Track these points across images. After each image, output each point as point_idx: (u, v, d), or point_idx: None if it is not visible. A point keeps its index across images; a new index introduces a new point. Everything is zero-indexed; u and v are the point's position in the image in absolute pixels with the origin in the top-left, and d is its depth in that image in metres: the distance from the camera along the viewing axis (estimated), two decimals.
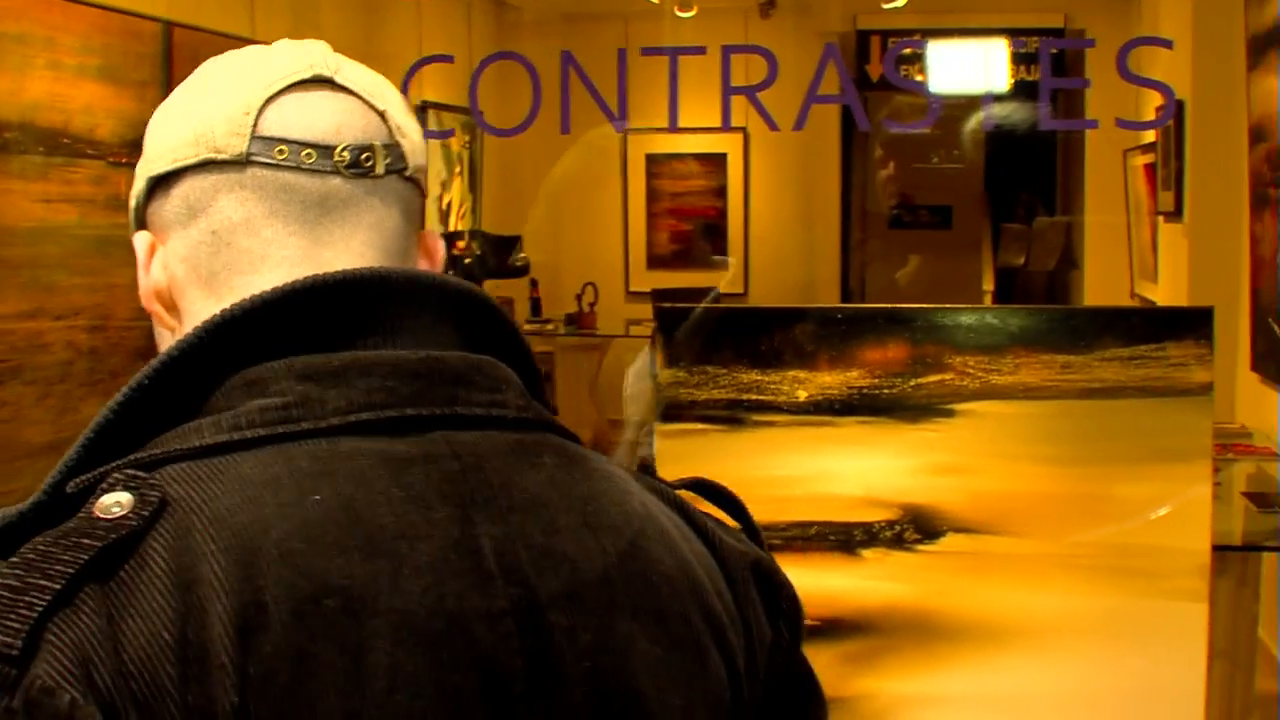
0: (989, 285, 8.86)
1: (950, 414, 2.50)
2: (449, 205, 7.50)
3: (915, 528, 2.52)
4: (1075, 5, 8.48)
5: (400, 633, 0.69)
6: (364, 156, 0.85)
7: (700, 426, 2.51)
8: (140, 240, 0.90)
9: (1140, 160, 6.42)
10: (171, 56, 5.03)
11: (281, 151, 0.83)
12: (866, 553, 2.53)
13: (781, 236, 8.42)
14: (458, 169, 7.57)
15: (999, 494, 2.54)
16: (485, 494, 0.77)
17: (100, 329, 4.50)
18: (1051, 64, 6.47)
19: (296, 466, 0.72)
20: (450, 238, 6.69)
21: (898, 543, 2.52)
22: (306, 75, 0.86)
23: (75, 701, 0.63)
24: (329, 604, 0.68)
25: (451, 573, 0.72)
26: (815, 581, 2.45)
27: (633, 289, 8.42)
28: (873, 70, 8.31)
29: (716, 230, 8.52)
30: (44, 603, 0.65)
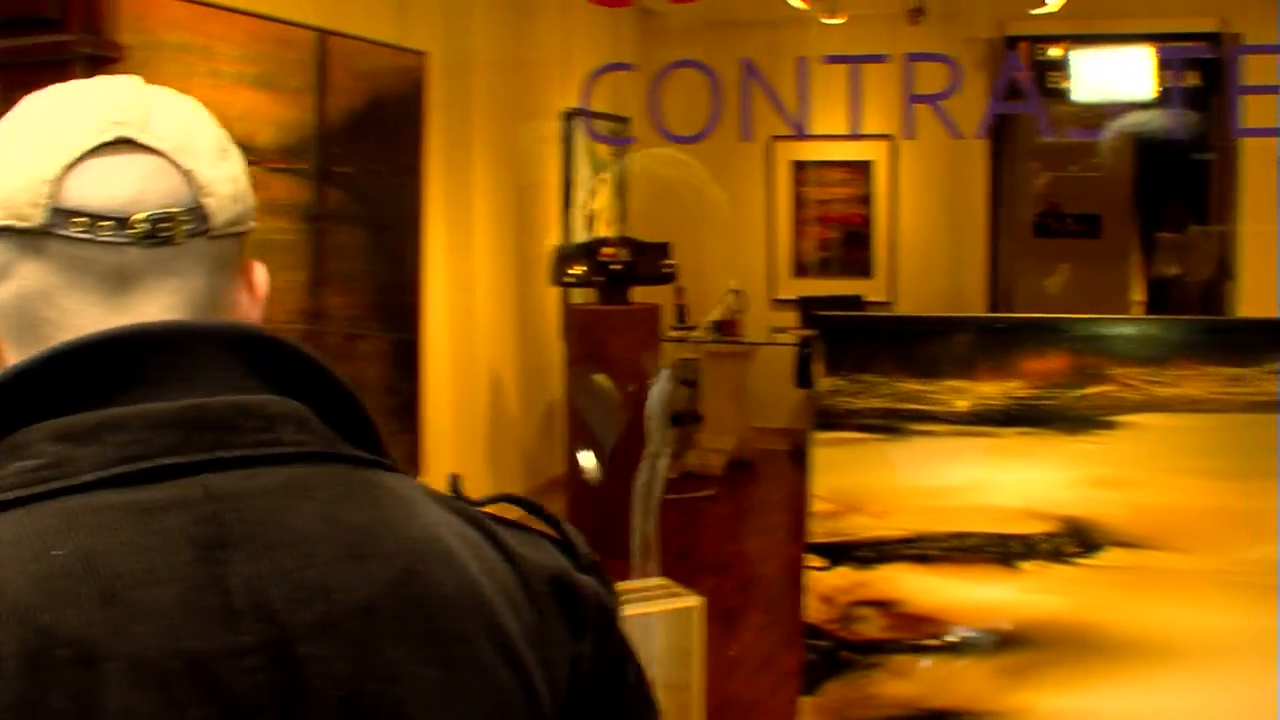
0: (1140, 295, 8.68)
1: (1111, 426, 2.48)
2: (596, 212, 7.61)
3: (1074, 541, 2.50)
4: (1229, 8, 8.27)
5: (133, 675, 0.72)
6: (161, 226, 0.83)
7: (858, 435, 2.52)
8: None
9: None
10: (325, 63, 5.20)
11: (78, 225, 0.82)
12: (1025, 565, 2.52)
13: (928, 244, 8.37)
14: (605, 176, 7.67)
15: (1160, 508, 2.51)
16: (242, 532, 0.78)
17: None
18: (1205, 70, 6.39)
19: (43, 525, 0.75)
20: (598, 244, 6.77)
21: (1056, 556, 2.51)
22: (109, 138, 0.83)
23: None
24: (60, 654, 0.71)
25: (192, 614, 0.75)
26: (972, 593, 2.45)
27: (778, 296, 8.44)
28: (1022, 77, 8.18)
29: (862, 238, 8.50)
30: None
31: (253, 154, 4.90)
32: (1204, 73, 6.33)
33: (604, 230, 7.57)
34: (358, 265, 5.45)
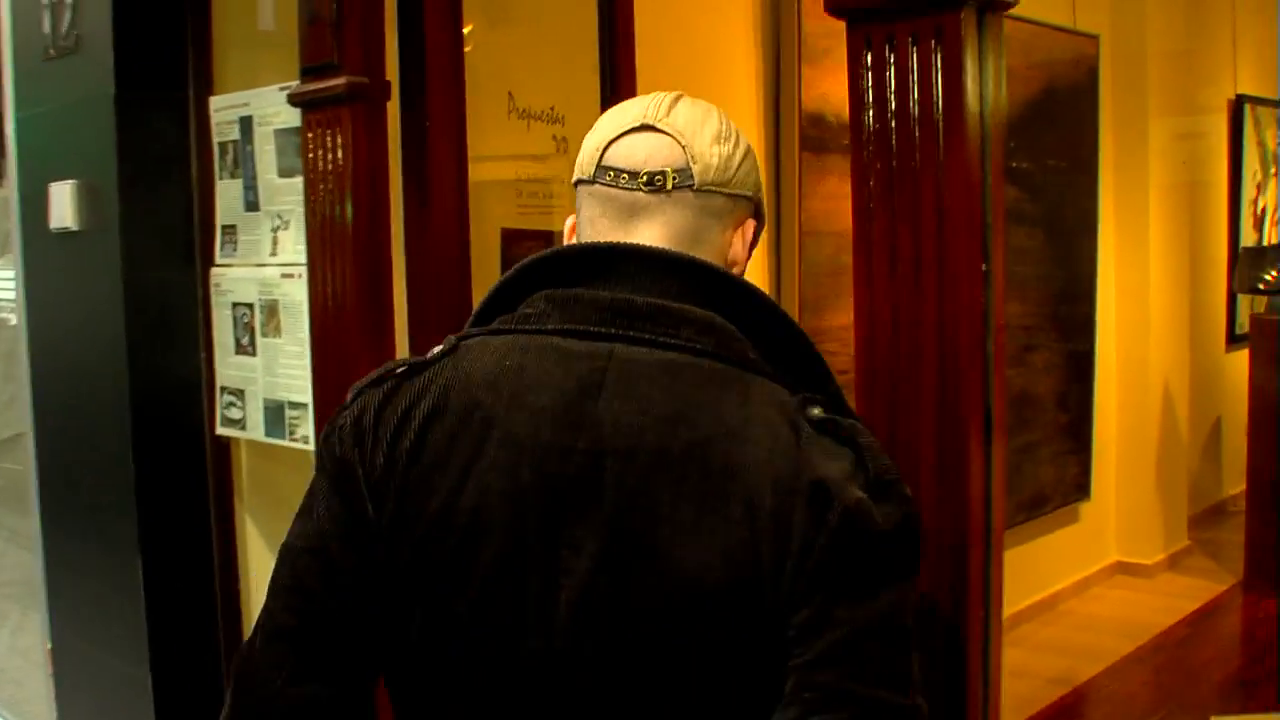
0: None
1: None
2: (1265, 209, 6.79)
3: None
4: None
5: (507, 440, 1.17)
6: (657, 177, 1.24)
7: None
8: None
9: None
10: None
11: (608, 175, 1.26)
12: None
13: None
14: (1275, 170, 6.84)
15: None
16: (612, 384, 1.16)
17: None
18: None
19: (511, 345, 1.21)
20: (1261, 253, 6.00)
21: None
22: (637, 124, 1.26)
23: (335, 430, 1.25)
24: (477, 416, 1.18)
25: (555, 420, 1.16)
26: None
27: None
28: None
29: None
30: (368, 381, 1.26)
31: None
32: None
33: (1271, 231, 6.75)
34: (1035, 269, 5.04)
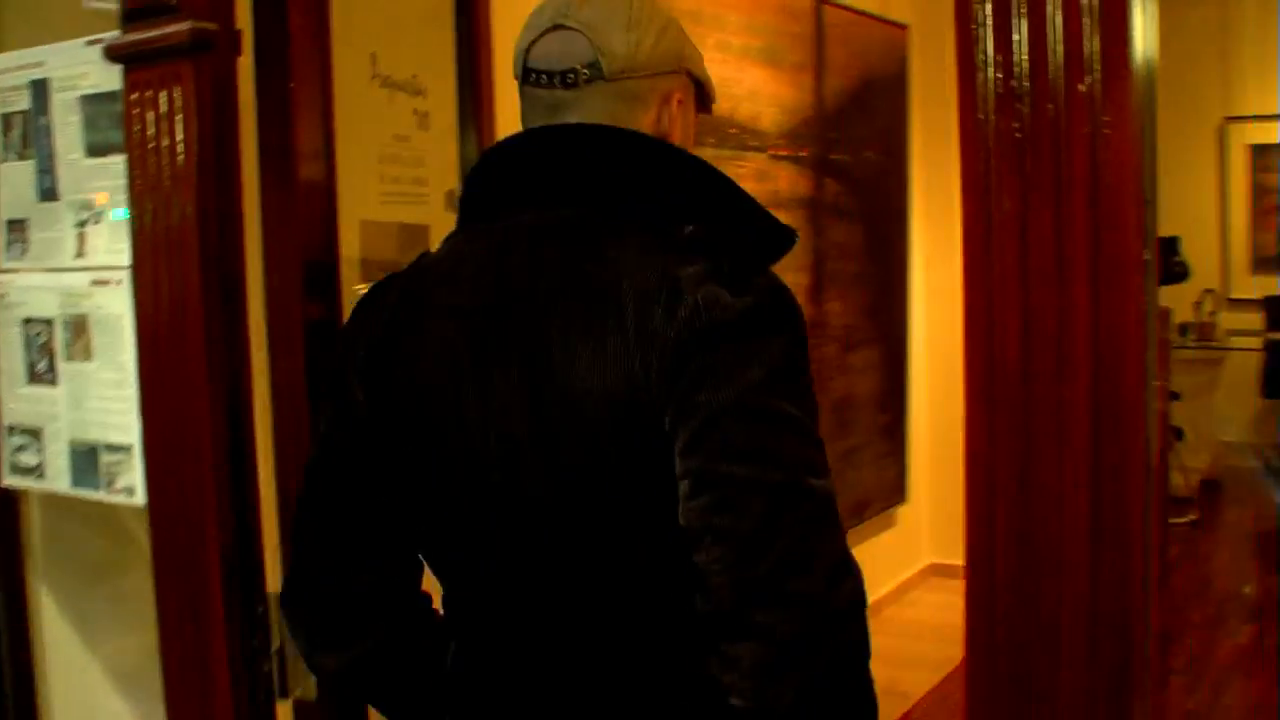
0: None
1: None
2: None
3: None
4: None
5: (443, 312, 1.33)
6: (568, 75, 1.34)
7: None
8: None
9: None
10: (823, 37, 4.60)
11: (529, 77, 1.37)
12: None
13: None
14: None
15: None
16: (517, 246, 1.31)
17: None
18: None
19: (456, 237, 1.41)
20: None
21: None
22: (551, 25, 1.35)
23: (333, 348, 1.49)
24: (423, 299, 1.35)
25: (476, 284, 1.32)
26: None
27: (1234, 295, 7.46)
28: None
29: None
30: (360, 298, 1.44)
31: (758, 139, 4.35)
32: None
33: None
34: (855, 266, 4.82)
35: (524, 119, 1.39)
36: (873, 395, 5.01)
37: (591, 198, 1.31)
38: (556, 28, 1.35)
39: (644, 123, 1.36)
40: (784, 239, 1.33)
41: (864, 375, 4.93)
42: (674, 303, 1.19)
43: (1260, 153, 7.53)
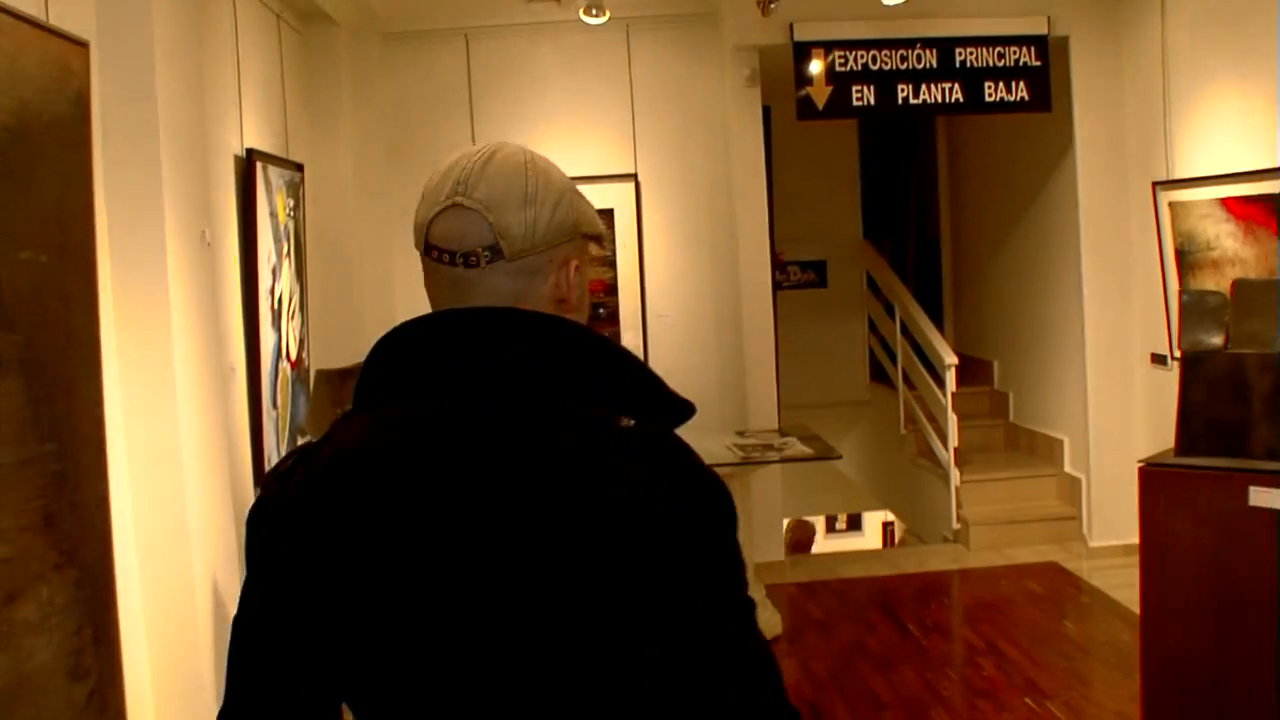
0: None
1: None
2: (282, 296, 5.03)
3: None
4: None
5: (370, 502, 1.34)
6: (470, 258, 1.39)
7: None
8: None
9: None
10: None
11: (432, 253, 1.41)
12: None
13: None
14: (287, 247, 5.11)
15: None
16: (446, 442, 1.33)
17: None
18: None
19: (370, 420, 1.40)
20: None
21: None
22: (449, 203, 1.40)
23: (252, 512, 1.44)
24: (347, 484, 1.35)
25: (411, 477, 1.33)
26: None
27: None
28: None
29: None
30: (276, 464, 1.44)
31: None
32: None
33: (293, 316, 5.03)
34: (11, 450, 2.72)
35: (429, 290, 1.45)
36: (57, 668, 2.92)
37: (515, 388, 1.35)
38: (454, 205, 1.40)
39: (542, 293, 1.43)
40: (683, 414, 1.41)
41: (40, 636, 2.84)
42: (627, 510, 1.26)
43: None
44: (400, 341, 1.40)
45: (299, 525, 1.36)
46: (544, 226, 1.40)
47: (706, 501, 1.29)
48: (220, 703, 1.43)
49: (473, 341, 1.36)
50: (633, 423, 1.32)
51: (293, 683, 1.39)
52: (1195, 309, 4.65)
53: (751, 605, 1.32)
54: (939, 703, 5.34)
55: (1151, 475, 4.58)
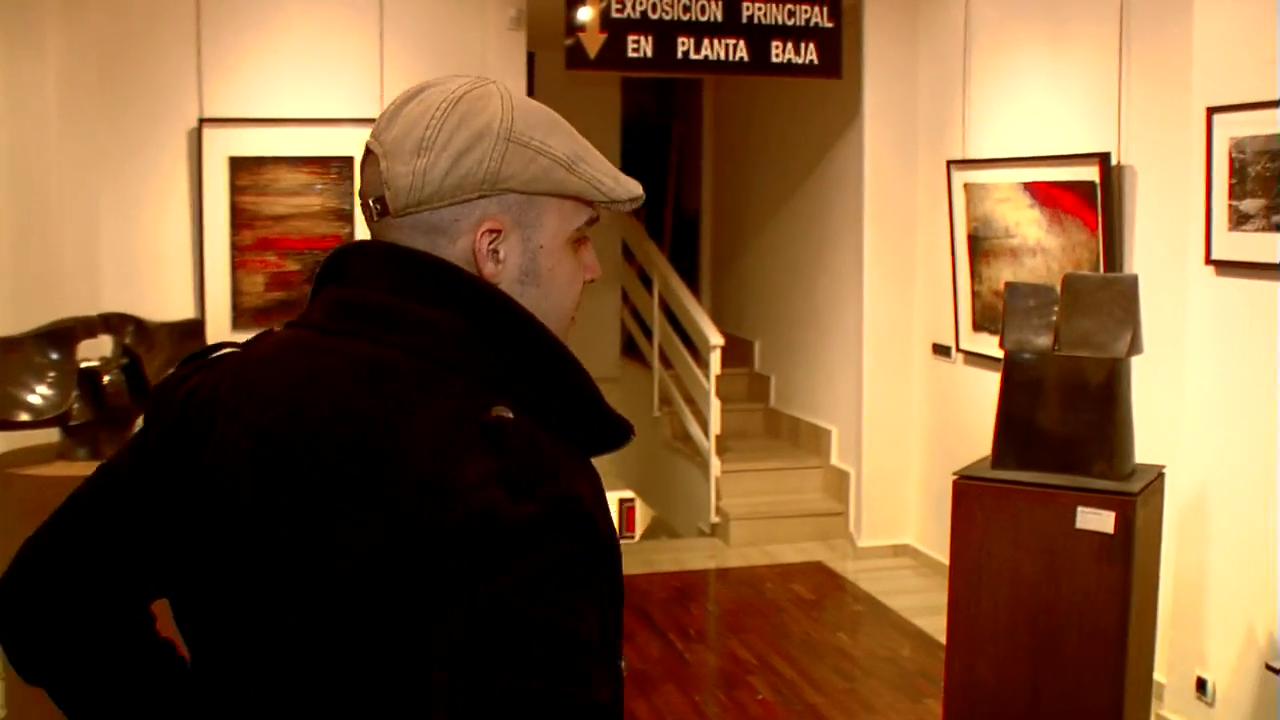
0: None
1: None
2: None
3: None
4: None
5: (239, 420, 1.26)
6: (371, 210, 1.28)
7: None
8: None
9: None
10: None
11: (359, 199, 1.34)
12: None
13: None
14: None
15: None
16: (322, 375, 1.23)
17: None
18: None
19: (280, 338, 1.32)
20: None
21: None
22: (367, 146, 1.30)
23: (157, 391, 1.39)
24: (230, 396, 1.29)
25: (273, 404, 1.25)
26: None
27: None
28: None
29: None
30: (190, 355, 1.40)
31: None
32: None
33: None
34: None
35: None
36: None
37: (406, 341, 1.23)
38: (368, 150, 1.30)
39: (453, 254, 1.27)
40: (612, 438, 1.28)
41: None
42: (450, 502, 1.13)
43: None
44: (329, 260, 1.34)
45: (177, 418, 1.33)
46: (437, 178, 1.25)
47: (555, 515, 1.12)
48: None
49: (372, 277, 1.28)
50: (510, 415, 1.16)
51: (118, 541, 1.35)
52: (1019, 304, 4.13)
53: (568, 700, 1.07)
54: None
55: (967, 489, 4.05)
